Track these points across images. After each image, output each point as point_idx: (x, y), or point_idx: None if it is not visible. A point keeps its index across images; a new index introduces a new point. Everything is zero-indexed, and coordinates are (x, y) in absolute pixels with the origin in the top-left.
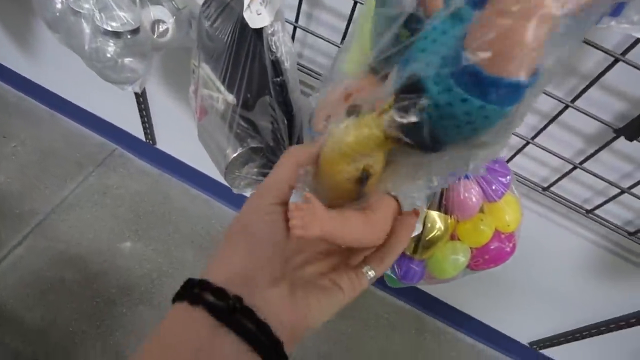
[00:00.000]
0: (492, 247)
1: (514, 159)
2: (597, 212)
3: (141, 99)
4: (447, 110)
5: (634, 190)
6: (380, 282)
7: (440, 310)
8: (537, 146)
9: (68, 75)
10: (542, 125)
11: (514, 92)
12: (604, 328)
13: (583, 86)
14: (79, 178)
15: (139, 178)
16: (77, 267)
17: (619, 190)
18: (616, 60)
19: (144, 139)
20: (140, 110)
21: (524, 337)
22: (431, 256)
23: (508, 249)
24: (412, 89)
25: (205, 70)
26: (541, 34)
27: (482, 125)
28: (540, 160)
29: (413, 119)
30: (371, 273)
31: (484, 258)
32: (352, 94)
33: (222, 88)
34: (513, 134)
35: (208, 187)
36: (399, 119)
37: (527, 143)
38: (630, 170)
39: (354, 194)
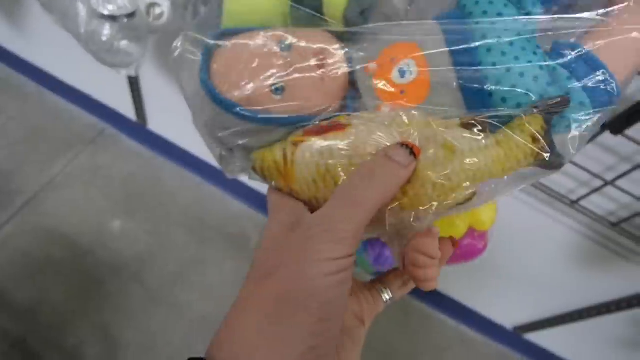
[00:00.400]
0: (465, 243)
1: None
2: (581, 202)
3: (133, 80)
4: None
5: (617, 183)
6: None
7: (426, 294)
8: None
9: (58, 53)
10: None
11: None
12: (585, 314)
13: None
14: (68, 156)
15: (130, 159)
16: (66, 246)
17: (603, 182)
18: None
19: (135, 120)
20: (132, 91)
21: (509, 322)
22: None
23: (480, 247)
24: (558, 107)
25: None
26: None
27: None
28: None
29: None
30: (387, 296)
31: (455, 253)
32: (325, 52)
33: None
34: None
35: (200, 170)
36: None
37: None
38: (614, 163)
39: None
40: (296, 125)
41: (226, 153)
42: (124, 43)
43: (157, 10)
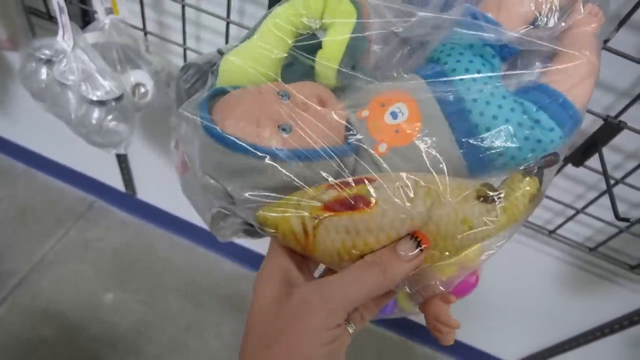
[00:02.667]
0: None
1: None
2: (559, 232)
3: (121, 156)
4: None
5: (587, 210)
6: None
7: (427, 336)
8: None
9: (43, 131)
10: None
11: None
12: (582, 340)
13: None
14: (58, 234)
15: (121, 229)
16: (59, 326)
17: (575, 211)
18: None
19: (124, 190)
20: (119, 162)
21: (509, 356)
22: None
23: (472, 281)
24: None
25: (186, 127)
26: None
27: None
28: None
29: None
30: (351, 329)
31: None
32: (324, 93)
33: None
34: None
35: (191, 234)
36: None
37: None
38: (582, 191)
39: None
40: (304, 160)
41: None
42: (112, 124)
43: (142, 90)
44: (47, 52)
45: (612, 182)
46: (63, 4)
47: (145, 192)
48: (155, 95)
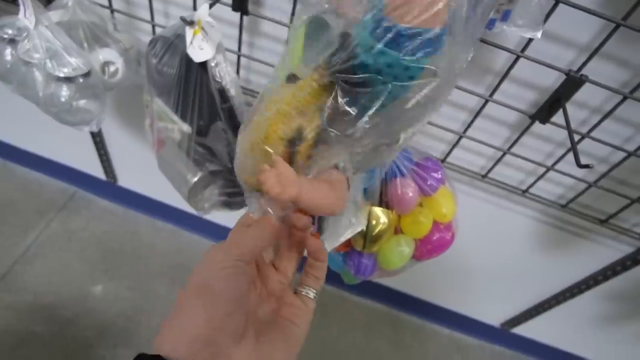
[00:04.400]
0: (434, 237)
1: (453, 153)
2: (531, 191)
3: (98, 138)
4: (374, 66)
5: (557, 167)
6: (352, 287)
7: (414, 305)
8: (469, 138)
9: (18, 123)
10: (470, 120)
11: (426, 41)
12: (561, 298)
13: (497, 82)
14: (40, 226)
15: (104, 218)
16: (48, 318)
17: (545, 169)
18: (517, 58)
19: (104, 178)
20: (97, 150)
21: (495, 319)
22: (379, 250)
23: (448, 237)
24: (344, 45)
25: (158, 104)
26: None
27: (407, 76)
28: (475, 151)
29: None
30: (311, 293)
31: (427, 248)
32: None
33: (176, 118)
34: (448, 129)
35: (174, 218)
36: (335, 68)
37: (460, 137)
38: (551, 149)
39: (287, 157)
40: None
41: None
42: (82, 102)
43: (112, 68)
44: (9, 31)
45: (576, 137)
46: None
47: (126, 179)
48: (125, 73)
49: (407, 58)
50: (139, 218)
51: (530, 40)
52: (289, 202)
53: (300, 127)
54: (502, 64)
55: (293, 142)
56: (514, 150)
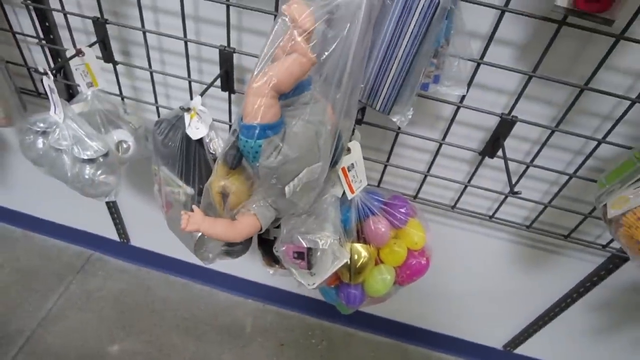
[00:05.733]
0: (411, 263)
1: (425, 189)
2: (498, 216)
3: (111, 204)
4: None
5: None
6: (359, 323)
7: (420, 336)
8: (434, 176)
9: (38, 195)
10: (431, 160)
11: (250, 131)
12: (552, 313)
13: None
14: (60, 289)
15: (119, 277)
16: None
17: (504, 196)
18: (458, 108)
19: (118, 240)
20: (111, 214)
21: (497, 342)
22: (364, 280)
23: (423, 262)
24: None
25: (165, 171)
26: (254, 103)
27: (253, 152)
28: (443, 185)
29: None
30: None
31: (406, 273)
32: None
33: (180, 183)
34: (415, 170)
35: (185, 272)
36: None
37: (426, 176)
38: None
39: (221, 207)
40: None
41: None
42: (102, 177)
43: (124, 145)
44: (42, 125)
45: (522, 166)
46: (53, 85)
47: (138, 238)
48: (136, 149)
49: (248, 141)
50: (151, 274)
51: (463, 97)
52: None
53: (223, 186)
54: (449, 112)
55: (222, 194)
56: (475, 182)
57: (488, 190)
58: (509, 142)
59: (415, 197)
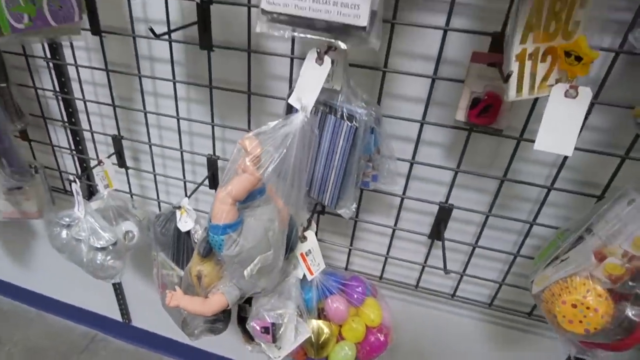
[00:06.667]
0: (370, 340)
1: (388, 269)
2: (460, 294)
3: (117, 285)
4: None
5: (469, 272)
6: None
7: None
8: (393, 258)
9: (54, 278)
10: (387, 242)
11: (216, 229)
12: None
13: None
14: None
15: (119, 357)
16: None
17: (460, 275)
18: (402, 200)
19: (120, 320)
20: (116, 295)
21: None
22: (328, 355)
23: (382, 339)
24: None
25: (162, 256)
26: (218, 208)
27: (218, 245)
28: (407, 266)
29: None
30: None
31: (366, 349)
32: None
33: (174, 266)
34: (375, 253)
35: (181, 353)
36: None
37: (386, 258)
38: (463, 257)
39: (198, 287)
40: None
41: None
42: (111, 262)
43: (130, 235)
44: (67, 219)
45: (468, 247)
46: (79, 189)
47: (139, 319)
48: (140, 237)
49: (214, 236)
50: (151, 355)
51: (406, 184)
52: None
53: (199, 271)
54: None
55: (197, 276)
56: (431, 262)
57: (436, 268)
58: (455, 225)
59: (380, 277)
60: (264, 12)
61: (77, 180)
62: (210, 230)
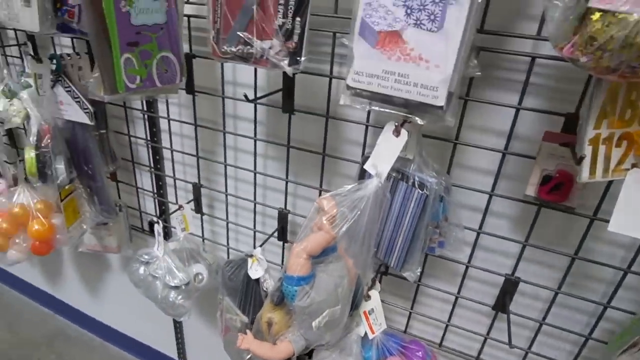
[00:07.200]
0: None
1: (449, 337)
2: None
3: (177, 324)
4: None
5: (534, 349)
6: None
7: None
8: (454, 326)
9: (119, 309)
10: (449, 309)
11: (290, 280)
12: None
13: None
14: None
15: None
16: None
17: (525, 352)
18: (467, 268)
19: (177, 358)
20: (176, 333)
21: None
22: None
23: None
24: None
25: (227, 301)
26: (294, 261)
27: (291, 295)
28: (467, 336)
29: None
30: None
31: None
32: None
33: (238, 312)
34: (436, 319)
35: None
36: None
37: (447, 325)
38: (528, 334)
39: (267, 333)
40: None
41: None
42: (181, 301)
43: (200, 277)
44: (146, 257)
45: (535, 324)
46: (160, 230)
47: (194, 358)
48: (208, 280)
49: (288, 287)
50: None
51: (472, 253)
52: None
53: (269, 318)
54: (462, 270)
55: (268, 323)
56: (494, 334)
57: (500, 342)
58: (522, 299)
59: (440, 344)
60: (348, 87)
61: (160, 221)
62: (285, 281)
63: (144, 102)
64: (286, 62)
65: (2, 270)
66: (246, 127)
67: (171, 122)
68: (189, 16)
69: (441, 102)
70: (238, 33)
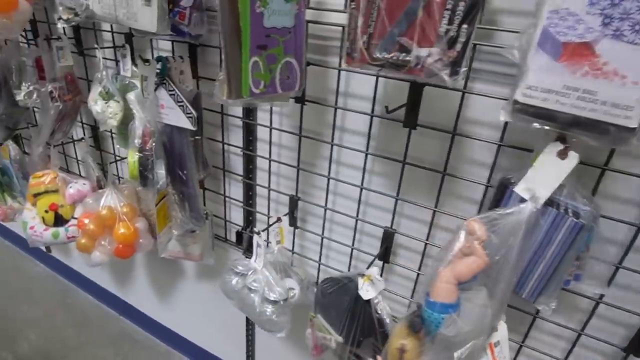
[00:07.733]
0: None
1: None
2: None
3: (249, 337)
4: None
5: None
6: None
7: None
8: None
9: (188, 318)
10: (567, 347)
11: (436, 306)
12: None
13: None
14: None
15: None
16: None
17: None
18: (597, 304)
19: None
20: (247, 346)
21: None
22: None
23: None
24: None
25: (320, 319)
26: (442, 287)
27: (436, 322)
28: None
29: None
30: None
31: None
32: None
33: (332, 331)
34: (549, 355)
35: None
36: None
37: None
38: None
39: (398, 354)
40: None
41: None
42: (278, 317)
43: (292, 293)
44: (241, 268)
45: None
46: (261, 242)
47: None
48: (300, 296)
49: (433, 313)
50: None
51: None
52: None
53: (402, 344)
54: (587, 305)
55: (402, 349)
56: None
57: None
58: None
59: None
60: (516, 102)
61: (260, 233)
62: (429, 307)
63: (243, 110)
64: (447, 71)
65: (70, 269)
66: (349, 139)
67: (272, 131)
68: (308, 22)
69: (634, 123)
70: (397, 38)
